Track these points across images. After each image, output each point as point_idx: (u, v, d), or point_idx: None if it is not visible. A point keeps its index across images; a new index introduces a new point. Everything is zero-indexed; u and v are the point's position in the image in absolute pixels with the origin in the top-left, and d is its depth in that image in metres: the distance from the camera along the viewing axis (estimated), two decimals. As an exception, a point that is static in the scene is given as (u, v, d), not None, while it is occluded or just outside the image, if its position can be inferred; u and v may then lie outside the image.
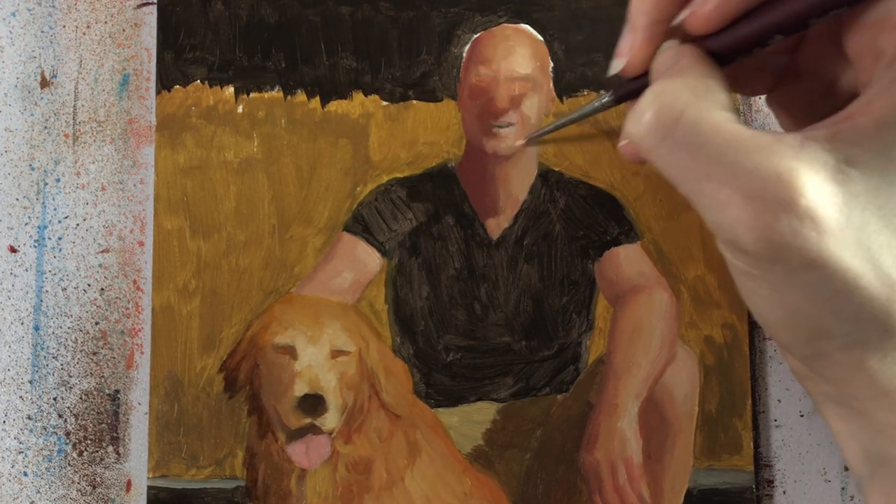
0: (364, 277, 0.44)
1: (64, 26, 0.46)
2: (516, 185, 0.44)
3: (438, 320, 0.43)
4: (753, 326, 0.43)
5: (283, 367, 0.42)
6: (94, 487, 0.44)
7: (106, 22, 0.46)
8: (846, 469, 0.43)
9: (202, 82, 0.45)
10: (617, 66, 0.31)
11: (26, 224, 0.45)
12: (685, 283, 0.43)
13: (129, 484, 0.44)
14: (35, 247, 0.45)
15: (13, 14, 0.46)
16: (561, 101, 0.44)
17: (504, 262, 0.44)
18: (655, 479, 0.42)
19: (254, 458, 0.43)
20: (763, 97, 0.38)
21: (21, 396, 0.44)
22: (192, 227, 0.44)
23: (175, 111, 0.44)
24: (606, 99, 0.36)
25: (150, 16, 0.45)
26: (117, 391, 0.44)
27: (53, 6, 0.46)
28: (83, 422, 0.44)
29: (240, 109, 0.44)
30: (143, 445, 0.43)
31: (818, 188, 0.24)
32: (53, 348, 0.44)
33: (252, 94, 0.44)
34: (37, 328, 0.44)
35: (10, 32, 0.46)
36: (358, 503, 0.42)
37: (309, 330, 0.43)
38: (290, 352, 0.42)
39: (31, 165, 0.45)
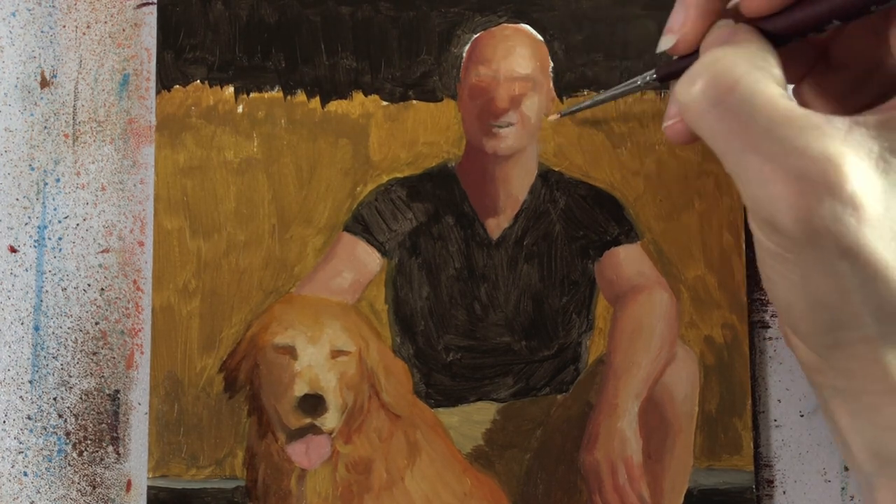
0: (364, 277, 0.44)
1: (64, 26, 0.46)
2: (516, 185, 0.44)
3: (438, 320, 0.43)
4: (753, 326, 0.43)
5: (283, 367, 0.42)
6: (94, 487, 0.44)
7: (106, 22, 0.46)
8: (846, 469, 0.43)
9: (202, 82, 0.45)
10: (667, 42, 0.30)
11: (26, 224, 0.45)
12: (685, 283, 0.43)
13: (129, 484, 0.44)
14: (35, 247, 0.45)
15: (13, 14, 0.46)
16: (561, 100, 0.44)
17: (504, 262, 0.44)
18: (655, 479, 0.42)
19: (254, 458, 0.43)
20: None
21: (21, 396, 0.44)
22: (192, 227, 0.44)
23: (175, 111, 0.44)
24: (650, 76, 0.35)
25: (150, 16, 0.45)
26: (117, 391, 0.44)
27: (53, 6, 0.46)
28: (83, 422, 0.44)
29: (240, 109, 0.44)
30: (143, 445, 0.43)
31: (864, 175, 0.24)
32: (53, 348, 0.44)
33: (252, 94, 0.44)
34: (37, 328, 0.44)
35: (10, 32, 0.46)
36: (358, 503, 0.42)
37: (309, 330, 0.43)
38: (290, 352, 0.42)
39: (30, 165, 0.45)
